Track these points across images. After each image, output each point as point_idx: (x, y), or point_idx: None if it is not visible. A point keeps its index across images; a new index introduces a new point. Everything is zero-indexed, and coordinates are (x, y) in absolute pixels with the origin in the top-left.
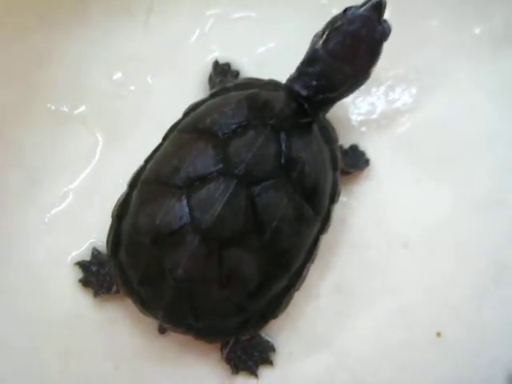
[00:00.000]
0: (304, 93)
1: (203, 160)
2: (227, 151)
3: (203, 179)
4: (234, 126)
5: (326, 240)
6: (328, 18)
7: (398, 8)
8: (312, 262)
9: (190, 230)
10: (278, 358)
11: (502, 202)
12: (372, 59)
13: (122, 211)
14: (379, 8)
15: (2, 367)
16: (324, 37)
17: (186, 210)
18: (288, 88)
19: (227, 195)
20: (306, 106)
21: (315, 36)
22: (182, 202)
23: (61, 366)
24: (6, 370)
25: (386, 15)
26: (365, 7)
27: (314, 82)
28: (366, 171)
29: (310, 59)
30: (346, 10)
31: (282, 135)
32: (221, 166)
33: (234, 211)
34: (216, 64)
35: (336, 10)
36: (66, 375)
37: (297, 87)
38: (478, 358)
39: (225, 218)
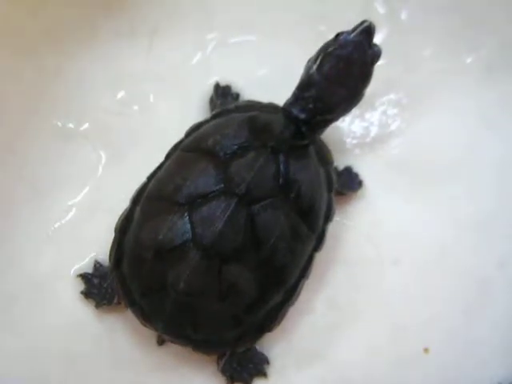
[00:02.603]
0: (302, 116)
1: (205, 179)
2: (228, 171)
3: (205, 197)
4: (235, 147)
5: (320, 257)
6: None
7: (393, 36)
8: (306, 278)
9: (191, 245)
10: (272, 370)
11: (492, 221)
12: (365, 81)
13: (124, 226)
14: (369, 32)
15: (3, 376)
16: (318, 62)
17: (188, 226)
18: (286, 111)
19: (228, 213)
20: (303, 129)
21: (309, 61)
22: (185, 219)
23: (60, 375)
24: (7, 379)
25: (380, 43)
26: (355, 32)
27: (311, 106)
28: (359, 192)
29: (306, 84)
30: (337, 35)
31: (281, 157)
32: (222, 185)
33: (235, 228)
34: (217, 86)
35: (332, 37)
36: None
37: (295, 111)
38: (465, 373)
39: (225, 234)
